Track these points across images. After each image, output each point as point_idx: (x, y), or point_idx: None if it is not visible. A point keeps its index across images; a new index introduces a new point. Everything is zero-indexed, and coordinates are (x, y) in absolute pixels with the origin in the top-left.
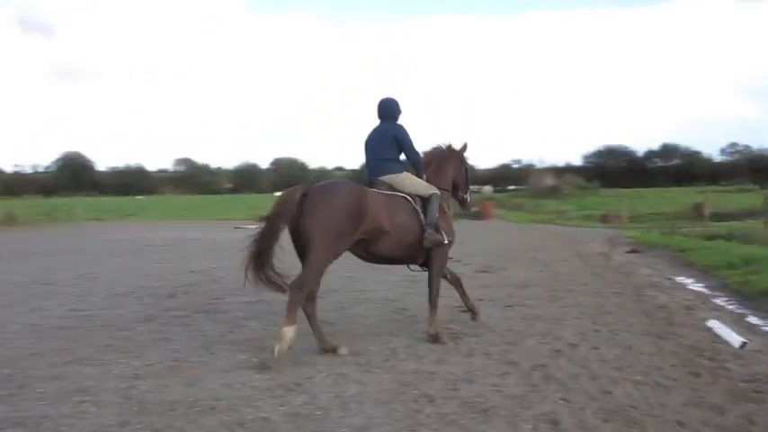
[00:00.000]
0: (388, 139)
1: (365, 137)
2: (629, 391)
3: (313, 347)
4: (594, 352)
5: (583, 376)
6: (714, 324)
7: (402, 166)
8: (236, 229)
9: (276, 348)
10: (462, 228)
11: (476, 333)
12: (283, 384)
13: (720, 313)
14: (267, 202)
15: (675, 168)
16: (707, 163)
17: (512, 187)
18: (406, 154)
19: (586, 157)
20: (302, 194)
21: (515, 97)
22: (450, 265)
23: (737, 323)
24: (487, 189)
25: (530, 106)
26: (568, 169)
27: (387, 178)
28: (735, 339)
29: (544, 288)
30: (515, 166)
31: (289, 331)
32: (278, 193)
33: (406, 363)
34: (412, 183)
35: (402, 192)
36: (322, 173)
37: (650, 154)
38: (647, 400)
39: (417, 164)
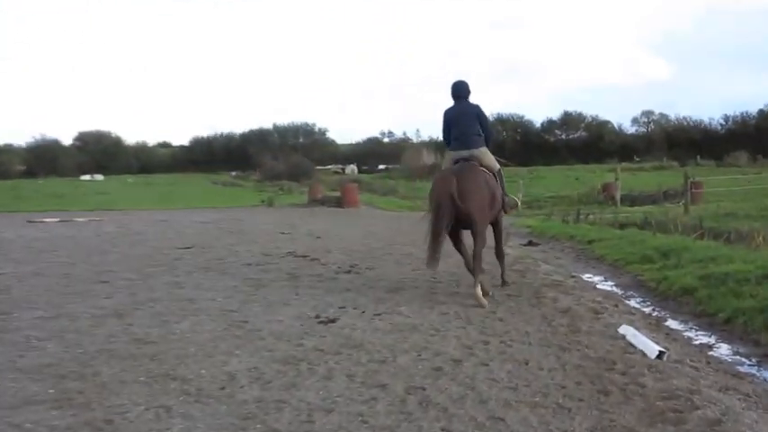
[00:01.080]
0: (473, 116)
1: (447, 113)
2: (525, 415)
3: (132, 374)
4: (483, 369)
5: (469, 399)
6: (627, 331)
7: (483, 140)
8: (30, 224)
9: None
10: (321, 218)
11: (336, 349)
12: (90, 422)
13: (634, 317)
14: (79, 188)
15: (580, 142)
16: (617, 136)
17: (382, 167)
18: (485, 129)
19: None
20: (456, 180)
21: (380, 56)
22: (307, 264)
23: (654, 329)
24: (351, 169)
25: (400, 67)
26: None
27: (477, 152)
28: (651, 349)
29: (421, 291)
30: (386, 140)
31: (485, 280)
32: (87, 177)
33: (247, 390)
34: (489, 158)
35: (482, 164)
36: (142, 150)
37: (549, 125)
38: (546, 427)
39: (492, 139)
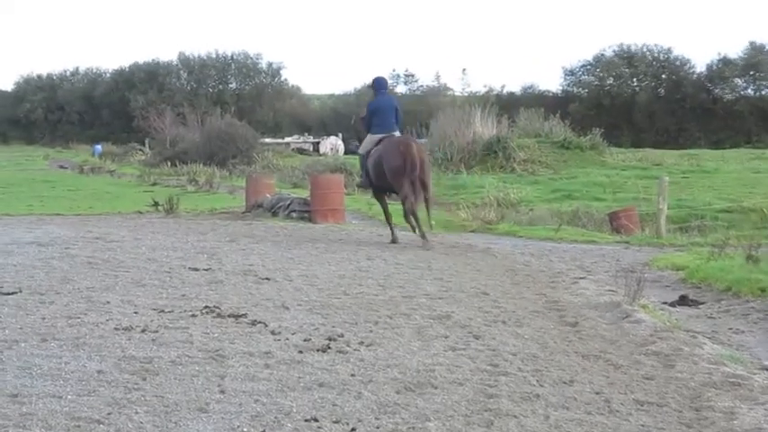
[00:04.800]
0: (391, 107)
1: (371, 104)
2: None
3: None
4: None
5: None
6: None
7: (398, 127)
8: None
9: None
10: (270, 241)
11: None
12: None
13: None
14: None
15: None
16: None
17: None
18: (398, 119)
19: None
20: (416, 147)
21: None
22: (242, 332)
23: None
24: (331, 146)
25: None
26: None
27: (394, 134)
28: None
29: (467, 390)
30: (400, 89)
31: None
32: None
33: None
34: None
35: None
36: None
37: (719, 70)
38: None
39: (402, 125)
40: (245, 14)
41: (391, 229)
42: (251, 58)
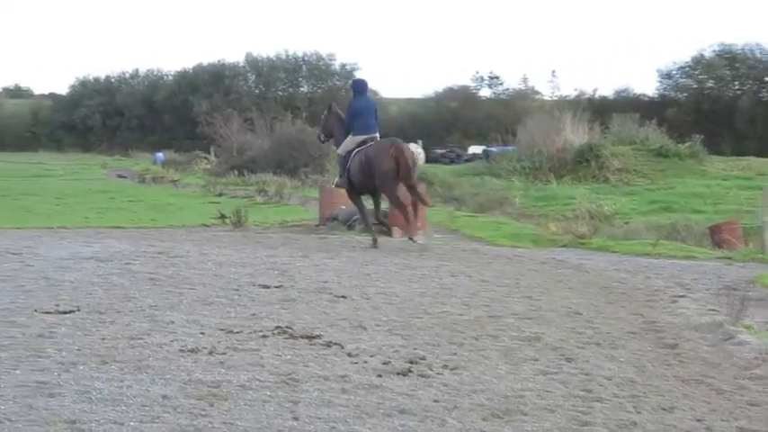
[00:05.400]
0: (372, 109)
1: (354, 105)
2: None
3: None
4: None
5: None
6: None
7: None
8: None
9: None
10: (344, 257)
11: None
12: None
13: None
14: None
15: None
16: None
17: (475, 149)
18: (377, 120)
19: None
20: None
21: None
22: (316, 353)
23: None
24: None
25: None
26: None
27: (375, 136)
28: None
29: (559, 419)
30: (484, 92)
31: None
32: None
33: None
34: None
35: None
36: None
37: None
38: None
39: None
40: (317, 12)
41: (371, 232)
42: (323, 59)
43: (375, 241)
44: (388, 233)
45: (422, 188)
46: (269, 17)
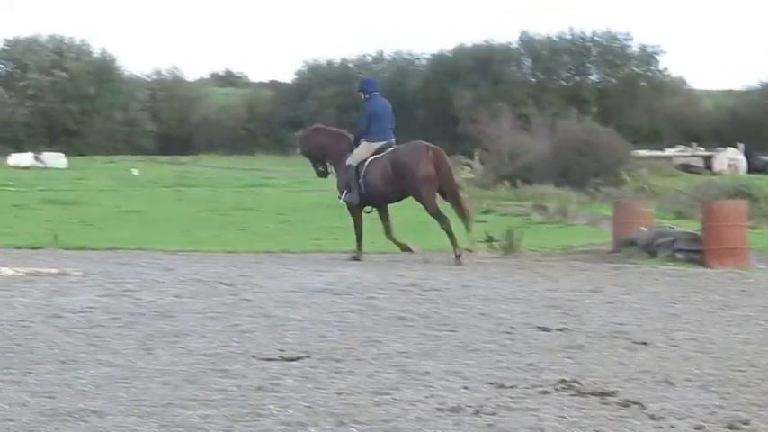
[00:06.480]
0: (389, 112)
1: (371, 107)
2: None
3: None
4: None
5: None
6: None
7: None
8: None
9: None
10: (644, 291)
11: None
12: None
13: None
14: None
15: None
16: None
17: None
18: (393, 123)
19: None
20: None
21: None
22: (611, 415)
23: None
24: (728, 159)
25: None
26: None
27: (392, 142)
28: None
29: None
30: None
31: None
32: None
33: None
34: None
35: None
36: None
37: None
38: None
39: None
40: None
41: (360, 247)
42: (617, 39)
43: (357, 258)
44: (408, 250)
45: (466, 200)
46: None
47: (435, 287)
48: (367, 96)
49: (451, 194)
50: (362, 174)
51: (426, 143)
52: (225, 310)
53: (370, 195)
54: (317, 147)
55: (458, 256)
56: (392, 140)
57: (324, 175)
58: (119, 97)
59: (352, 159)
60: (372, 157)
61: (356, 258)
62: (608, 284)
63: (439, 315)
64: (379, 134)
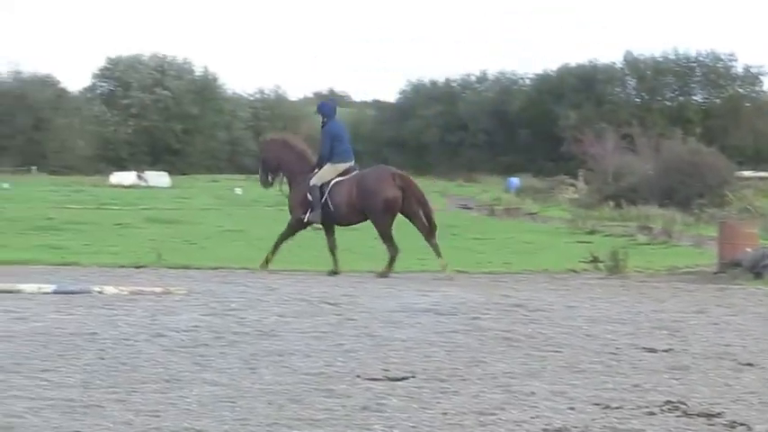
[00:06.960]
0: (347, 133)
1: (331, 129)
2: None
3: None
4: None
5: None
6: None
7: None
8: None
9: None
10: (756, 325)
11: None
12: None
13: None
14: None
15: None
16: None
17: None
18: (351, 143)
19: None
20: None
21: None
22: None
23: None
24: None
25: None
26: None
27: (353, 164)
28: None
29: None
30: None
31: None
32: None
33: None
34: None
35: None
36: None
37: None
38: None
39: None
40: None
41: (335, 261)
42: (721, 60)
43: (334, 273)
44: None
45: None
46: (653, 6)
47: (540, 308)
48: (325, 120)
49: (425, 216)
50: (326, 194)
51: (392, 168)
52: (329, 330)
53: (332, 216)
54: (276, 159)
55: (381, 275)
56: (353, 162)
57: (267, 185)
58: (221, 116)
59: (317, 180)
60: (338, 179)
61: (334, 272)
62: (713, 305)
63: (544, 336)
64: (342, 155)
